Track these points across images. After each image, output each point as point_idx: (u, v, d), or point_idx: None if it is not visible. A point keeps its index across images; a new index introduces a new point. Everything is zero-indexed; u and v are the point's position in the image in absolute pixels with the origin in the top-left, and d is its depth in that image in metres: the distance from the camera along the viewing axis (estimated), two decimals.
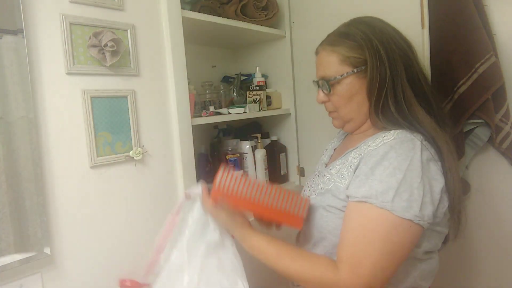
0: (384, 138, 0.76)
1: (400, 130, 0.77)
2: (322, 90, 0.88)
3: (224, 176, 0.79)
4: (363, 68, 0.80)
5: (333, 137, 1.09)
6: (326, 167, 0.93)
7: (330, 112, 0.91)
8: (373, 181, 0.71)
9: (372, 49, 0.79)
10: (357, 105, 0.83)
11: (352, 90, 0.82)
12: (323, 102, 0.89)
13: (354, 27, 0.84)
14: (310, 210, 0.84)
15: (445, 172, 0.74)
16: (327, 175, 0.86)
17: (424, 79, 0.84)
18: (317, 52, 0.89)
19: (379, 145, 0.75)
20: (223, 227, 0.84)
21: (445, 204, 0.74)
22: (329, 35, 0.88)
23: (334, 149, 1.01)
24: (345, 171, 0.80)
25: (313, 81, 0.93)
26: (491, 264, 1.38)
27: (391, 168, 0.70)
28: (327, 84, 0.84)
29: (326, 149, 1.05)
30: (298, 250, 0.80)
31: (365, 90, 0.81)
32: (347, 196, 0.76)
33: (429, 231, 0.74)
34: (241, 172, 0.85)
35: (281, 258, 0.76)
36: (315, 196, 0.85)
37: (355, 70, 0.81)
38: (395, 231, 0.68)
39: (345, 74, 0.82)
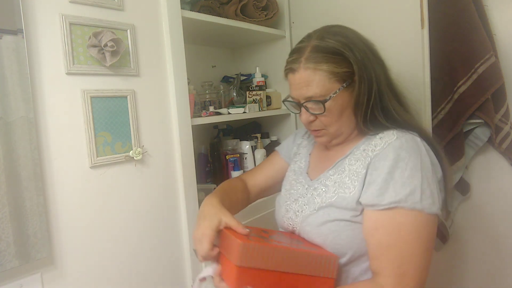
0: (387, 140, 0.76)
1: (396, 130, 0.79)
2: (307, 110, 0.82)
3: (246, 252, 0.67)
4: (350, 81, 0.79)
5: None
6: (309, 176, 0.90)
7: (316, 131, 0.85)
8: (395, 185, 0.71)
9: (357, 61, 0.78)
10: (347, 119, 0.82)
11: (343, 105, 0.80)
12: (310, 122, 0.84)
13: (331, 39, 0.79)
14: (313, 228, 0.79)
15: (441, 163, 0.78)
16: (321, 187, 0.83)
17: (395, 83, 0.86)
18: (292, 70, 0.81)
19: (384, 147, 0.76)
20: None
21: (443, 193, 0.78)
22: (301, 50, 0.81)
23: (309, 154, 0.97)
24: (348, 181, 0.78)
25: (289, 101, 0.86)
26: (491, 264, 1.38)
27: (408, 169, 0.72)
28: (322, 104, 0.79)
29: (298, 154, 1.01)
30: None
31: (353, 103, 0.80)
32: (362, 205, 0.74)
33: None
34: (263, 240, 0.75)
35: None
36: (315, 211, 0.80)
37: (344, 85, 0.79)
38: (427, 228, 0.71)
39: (337, 91, 0.78)
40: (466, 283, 1.44)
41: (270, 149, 1.55)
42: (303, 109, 0.83)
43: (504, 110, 1.25)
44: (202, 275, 0.76)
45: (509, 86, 1.25)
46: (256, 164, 1.49)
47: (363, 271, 0.78)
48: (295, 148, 1.05)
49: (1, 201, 0.75)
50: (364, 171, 0.76)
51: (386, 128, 0.80)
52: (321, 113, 0.80)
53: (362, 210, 0.75)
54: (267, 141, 1.60)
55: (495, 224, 1.35)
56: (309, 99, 0.80)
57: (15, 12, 0.78)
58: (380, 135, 0.79)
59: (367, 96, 0.79)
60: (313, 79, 0.78)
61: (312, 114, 0.82)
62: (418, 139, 0.77)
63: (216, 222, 0.75)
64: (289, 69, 0.82)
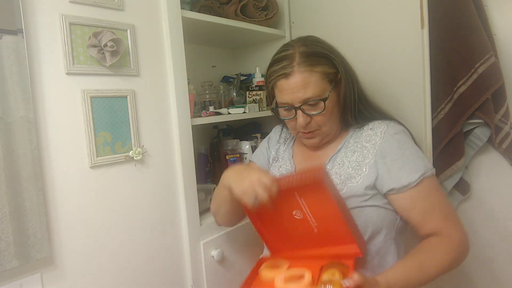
0: (380, 130, 0.88)
1: (378, 120, 0.91)
2: (304, 112, 0.85)
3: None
4: (336, 82, 0.87)
5: None
6: None
7: (311, 132, 0.89)
8: (414, 161, 0.83)
9: (341, 62, 0.87)
10: (336, 117, 0.90)
11: (333, 104, 0.88)
12: (307, 124, 0.87)
13: (315, 45, 0.87)
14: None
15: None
16: None
17: (360, 82, 0.95)
18: (285, 76, 0.84)
19: (382, 136, 0.87)
20: None
21: None
22: (290, 57, 0.85)
23: (292, 157, 0.99)
24: (352, 171, 0.86)
25: (279, 107, 0.89)
26: (490, 263, 1.38)
27: (410, 146, 0.86)
28: (323, 102, 0.84)
29: (279, 158, 1.01)
30: (420, 253, 0.80)
31: (341, 101, 0.89)
32: (393, 190, 0.83)
33: None
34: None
35: (425, 270, 0.78)
36: None
37: (333, 85, 0.86)
38: (439, 183, 0.89)
39: (331, 90, 0.86)
40: (466, 283, 1.44)
41: None
42: (299, 112, 0.86)
43: (504, 110, 1.25)
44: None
45: (509, 86, 1.25)
46: None
47: (374, 254, 0.85)
48: (273, 153, 1.06)
49: (1, 201, 0.75)
50: (370, 161, 0.85)
51: (369, 119, 0.91)
52: (321, 112, 0.85)
53: (371, 194, 0.83)
54: None
55: (495, 224, 1.35)
56: (307, 100, 0.84)
57: (15, 12, 0.78)
58: (368, 126, 0.90)
59: (353, 93, 0.89)
60: (310, 81, 0.83)
61: (309, 115, 0.86)
62: (397, 123, 0.91)
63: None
64: (282, 75, 0.85)
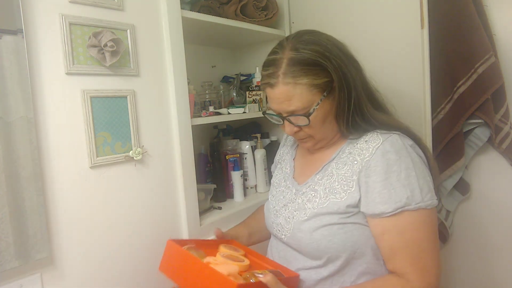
0: (374, 145, 0.77)
1: (379, 133, 0.79)
2: (290, 122, 0.81)
3: None
4: (329, 90, 0.78)
5: None
6: (296, 181, 0.90)
7: (301, 139, 0.86)
8: (395, 189, 0.73)
9: (334, 68, 0.77)
10: (330, 126, 0.83)
11: (325, 113, 0.80)
12: (295, 133, 0.84)
13: (306, 50, 0.77)
14: (306, 235, 0.80)
15: (426, 155, 0.81)
16: (310, 192, 0.83)
17: (369, 83, 0.86)
18: (270, 85, 0.79)
19: (373, 152, 0.76)
20: None
21: None
22: (277, 64, 0.78)
23: (293, 159, 0.97)
24: (338, 186, 0.79)
25: (270, 114, 0.86)
26: (490, 263, 1.38)
27: (403, 170, 0.74)
28: (306, 118, 0.78)
29: (283, 160, 1.01)
30: (366, 285, 0.77)
31: (335, 110, 0.80)
32: (358, 210, 0.76)
33: None
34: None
35: None
36: (306, 218, 0.80)
37: (325, 94, 0.78)
38: (431, 220, 0.75)
39: (319, 102, 0.78)
40: (466, 283, 1.44)
41: (270, 149, 1.55)
42: (286, 122, 0.82)
43: (504, 110, 1.25)
44: None
45: (509, 86, 1.25)
46: (256, 164, 1.49)
47: (360, 274, 0.79)
48: (278, 156, 1.06)
49: (1, 201, 0.75)
50: (355, 177, 0.77)
51: (366, 130, 0.81)
52: (306, 125, 0.80)
53: (354, 212, 0.77)
54: (267, 141, 1.60)
55: (495, 224, 1.35)
56: (291, 113, 0.80)
57: (15, 12, 0.78)
58: (365, 137, 0.80)
59: (347, 102, 0.79)
60: (294, 94, 0.77)
61: (296, 126, 0.82)
62: (402, 138, 0.78)
63: None
64: (267, 84, 0.80)
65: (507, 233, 1.33)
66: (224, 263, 0.79)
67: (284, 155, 1.02)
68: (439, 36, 1.25)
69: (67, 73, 0.87)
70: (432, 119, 1.26)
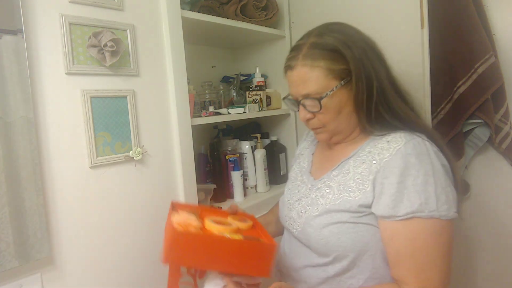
0: (395, 146, 0.74)
1: (403, 133, 0.76)
2: (305, 108, 0.81)
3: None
4: (348, 79, 0.77)
5: None
6: (312, 176, 0.89)
7: (315, 129, 0.85)
8: (409, 194, 0.70)
9: (354, 58, 0.76)
10: (346, 117, 0.81)
11: (341, 103, 0.79)
12: (308, 120, 0.83)
13: (329, 36, 0.78)
14: (315, 231, 0.79)
15: (449, 162, 0.77)
16: (325, 188, 0.82)
17: (398, 82, 0.84)
18: (290, 68, 0.81)
19: (393, 153, 0.73)
20: None
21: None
22: (299, 48, 0.80)
23: (312, 154, 0.96)
24: (353, 184, 0.77)
25: (287, 99, 0.87)
26: (490, 263, 1.38)
27: (420, 175, 0.70)
28: (318, 101, 0.78)
29: (301, 154, 1.01)
30: None
31: (353, 101, 0.79)
32: (370, 210, 0.74)
33: None
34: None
35: None
36: (318, 214, 0.80)
37: (342, 83, 0.77)
38: (445, 233, 0.70)
39: (334, 89, 0.77)
40: (466, 283, 1.44)
41: (270, 149, 1.55)
42: (301, 107, 0.82)
43: (504, 110, 1.25)
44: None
45: (508, 86, 1.25)
46: (256, 165, 1.49)
47: (368, 279, 0.77)
48: (298, 151, 1.05)
49: (0, 201, 0.75)
50: (372, 177, 0.75)
51: (393, 128, 0.78)
52: (318, 111, 0.79)
53: (367, 213, 0.75)
54: (267, 141, 1.60)
55: (495, 224, 1.35)
56: (305, 97, 0.80)
57: (15, 12, 0.78)
58: (387, 137, 0.77)
59: (367, 93, 0.77)
60: (310, 76, 0.78)
61: (310, 111, 0.81)
62: (427, 143, 0.75)
63: None
64: (287, 66, 0.82)
65: (507, 233, 1.33)
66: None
67: (304, 149, 1.01)
68: (439, 36, 1.25)
69: (67, 73, 0.87)
70: (432, 119, 1.26)
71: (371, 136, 0.81)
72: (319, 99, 0.78)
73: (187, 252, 0.70)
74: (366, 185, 0.75)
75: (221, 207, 1.01)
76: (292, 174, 0.99)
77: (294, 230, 0.86)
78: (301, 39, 0.83)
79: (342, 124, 0.81)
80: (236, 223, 0.85)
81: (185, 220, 0.76)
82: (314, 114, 0.81)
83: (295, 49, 0.81)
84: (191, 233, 0.73)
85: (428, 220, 0.69)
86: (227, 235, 0.74)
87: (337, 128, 0.82)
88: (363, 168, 0.77)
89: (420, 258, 0.70)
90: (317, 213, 0.80)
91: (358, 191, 0.76)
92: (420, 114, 0.87)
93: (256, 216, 0.98)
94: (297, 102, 0.83)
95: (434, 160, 0.73)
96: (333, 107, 0.79)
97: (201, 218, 0.83)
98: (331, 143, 0.89)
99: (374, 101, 0.77)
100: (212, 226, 0.79)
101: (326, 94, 0.77)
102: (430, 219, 0.69)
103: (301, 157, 1.00)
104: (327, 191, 0.81)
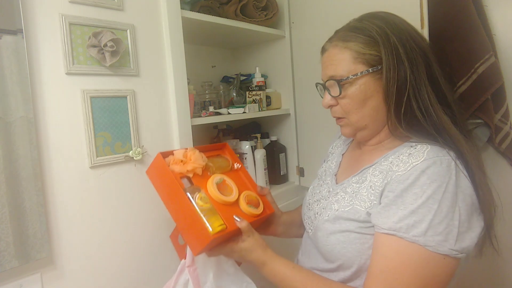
0: (413, 161, 0.66)
1: (430, 147, 0.67)
2: (329, 92, 0.76)
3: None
4: (379, 67, 0.71)
5: (333, 136, 1.07)
6: (336, 181, 0.86)
7: (338, 119, 0.79)
8: (403, 211, 0.64)
9: (389, 45, 0.70)
10: (372, 111, 0.74)
11: (367, 92, 0.72)
12: (330, 106, 0.78)
13: (368, 21, 0.74)
14: (323, 236, 0.78)
15: (477, 191, 0.67)
16: (341, 193, 0.79)
17: (445, 83, 0.75)
18: (324, 50, 0.78)
19: (408, 169, 0.66)
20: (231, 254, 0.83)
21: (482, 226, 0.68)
22: (338, 31, 0.78)
23: (342, 155, 0.92)
24: (365, 193, 0.73)
25: (317, 83, 0.83)
26: (490, 263, 1.38)
27: (424, 196, 0.63)
28: (338, 84, 0.73)
29: (332, 153, 0.97)
30: (326, 281, 0.73)
31: (382, 94, 0.72)
32: (373, 224, 0.69)
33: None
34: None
35: (307, 287, 0.72)
36: (328, 219, 0.78)
37: (370, 70, 0.72)
38: (427, 265, 0.62)
39: (359, 74, 0.72)
40: (466, 283, 1.44)
41: (270, 149, 1.55)
42: (325, 93, 0.78)
43: (504, 110, 1.25)
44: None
45: (508, 86, 1.25)
46: (256, 164, 1.49)
47: None
48: (330, 148, 1.02)
49: (0, 201, 0.75)
50: (381, 188, 0.70)
51: (425, 132, 0.69)
52: (338, 96, 0.74)
53: (372, 224, 0.71)
54: (267, 141, 1.60)
55: (495, 224, 1.35)
56: (330, 78, 0.76)
57: (15, 12, 0.78)
58: (415, 149, 0.68)
59: (398, 88, 0.70)
60: (338, 58, 0.74)
61: (332, 96, 0.77)
62: (453, 164, 0.65)
63: None
64: (322, 49, 0.80)
65: (507, 233, 1.33)
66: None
67: (336, 148, 0.98)
68: (438, 36, 1.25)
69: (67, 73, 0.87)
70: None
71: (404, 142, 0.73)
72: (338, 81, 0.73)
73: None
74: (376, 196, 0.70)
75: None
76: (319, 173, 0.97)
77: (310, 231, 0.86)
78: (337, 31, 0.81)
79: (366, 117, 0.75)
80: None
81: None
82: (337, 101, 0.77)
83: (334, 33, 0.80)
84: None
85: (410, 244, 0.62)
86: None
87: (360, 122, 0.76)
88: (379, 178, 0.71)
89: (393, 280, 0.63)
90: (327, 218, 0.78)
91: (369, 201, 0.71)
92: (460, 124, 0.74)
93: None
94: (323, 86, 0.79)
95: (451, 186, 0.63)
96: (357, 94, 0.73)
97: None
98: (359, 142, 0.84)
99: (406, 95, 0.70)
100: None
101: (348, 78, 0.72)
102: (413, 244, 0.62)
103: (331, 156, 0.97)
104: (342, 196, 0.78)
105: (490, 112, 1.23)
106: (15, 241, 0.78)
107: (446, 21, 1.26)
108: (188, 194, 0.83)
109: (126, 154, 0.98)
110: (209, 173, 0.94)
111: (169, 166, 0.89)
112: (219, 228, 0.78)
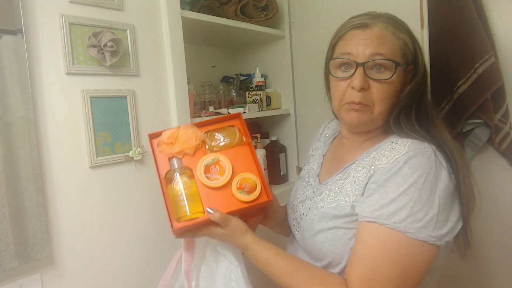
0: (395, 154, 0.69)
1: (411, 140, 0.70)
2: (366, 74, 0.71)
3: None
4: (408, 68, 0.74)
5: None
6: (319, 181, 0.87)
7: (359, 103, 0.73)
8: (385, 199, 0.66)
9: (419, 49, 0.74)
10: (390, 107, 0.74)
11: (397, 86, 0.72)
12: (363, 90, 0.72)
13: (404, 24, 0.77)
14: (311, 235, 0.79)
15: (458, 185, 0.69)
16: (326, 191, 0.80)
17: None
18: (365, 26, 0.73)
19: (390, 161, 0.68)
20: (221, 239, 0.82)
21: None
22: (373, 14, 0.75)
23: (323, 156, 0.93)
24: (349, 188, 0.74)
25: (343, 58, 0.74)
26: (490, 264, 1.38)
27: (405, 185, 0.65)
28: (395, 66, 0.69)
29: (312, 155, 0.98)
30: (309, 267, 0.74)
31: (399, 92, 0.73)
32: (356, 214, 0.70)
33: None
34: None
35: (289, 273, 0.72)
36: (314, 218, 0.78)
37: (405, 66, 0.72)
38: (407, 252, 0.63)
39: (399, 65, 0.71)
40: (466, 283, 1.44)
41: (270, 149, 1.55)
42: (359, 71, 0.71)
43: (504, 110, 1.25)
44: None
45: (508, 86, 1.25)
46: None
47: None
48: (310, 151, 1.02)
49: (0, 201, 0.75)
50: (365, 182, 0.72)
51: (414, 130, 0.72)
52: (387, 79, 0.70)
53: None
54: (267, 141, 1.59)
55: (495, 224, 1.35)
56: (376, 57, 0.70)
57: (15, 12, 0.78)
58: (393, 145, 0.71)
59: (415, 90, 0.74)
60: (389, 42, 0.71)
61: (372, 79, 0.71)
62: (433, 156, 0.67)
63: None
64: (358, 25, 0.73)
65: (507, 233, 1.33)
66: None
67: (316, 150, 0.98)
68: (439, 36, 1.25)
69: (67, 73, 0.87)
70: None
71: (386, 139, 0.75)
72: (397, 64, 0.70)
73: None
74: (361, 190, 0.72)
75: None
76: (301, 175, 0.98)
77: (296, 232, 0.85)
78: (363, 15, 0.77)
79: (385, 113, 0.74)
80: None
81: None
82: (369, 86, 0.72)
83: (368, 14, 0.75)
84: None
85: (391, 231, 0.64)
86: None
87: (380, 115, 0.74)
88: (362, 173, 0.73)
89: (373, 266, 0.64)
90: (313, 217, 0.79)
91: (354, 196, 0.73)
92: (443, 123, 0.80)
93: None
94: (356, 64, 0.72)
95: (431, 176, 0.65)
96: (394, 86, 0.72)
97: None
98: (347, 137, 0.84)
99: (415, 99, 0.75)
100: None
101: (401, 65, 0.71)
102: (393, 230, 0.63)
103: (311, 158, 0.97)
104: (327, 194, 0.79)
105: (490, 112, 1.23)
106: (15, 241, 0.78)
107: (446, 21, 1.26)
108: (177, 176, 0.82)
109: (126, 154, 0.98)
110: (207, 151, 0.88)
111: (158, 147, 0.86)
112: (194, 216, 0.79)
